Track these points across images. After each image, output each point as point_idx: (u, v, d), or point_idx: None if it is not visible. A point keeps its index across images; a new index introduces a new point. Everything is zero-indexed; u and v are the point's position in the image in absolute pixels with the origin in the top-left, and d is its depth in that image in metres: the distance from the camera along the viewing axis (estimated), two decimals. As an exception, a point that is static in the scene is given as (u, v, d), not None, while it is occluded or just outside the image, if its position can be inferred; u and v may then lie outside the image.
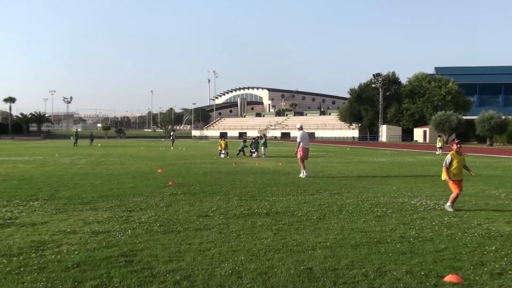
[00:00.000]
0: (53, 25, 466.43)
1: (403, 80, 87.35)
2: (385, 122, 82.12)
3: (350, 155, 32.58)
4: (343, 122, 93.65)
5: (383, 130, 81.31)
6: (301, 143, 17.28)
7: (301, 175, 16.61)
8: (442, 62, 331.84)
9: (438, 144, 36.80)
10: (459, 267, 5.51)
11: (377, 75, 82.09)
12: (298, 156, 17.30)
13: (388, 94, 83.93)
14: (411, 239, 6.91)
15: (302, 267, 5.42)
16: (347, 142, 75.73)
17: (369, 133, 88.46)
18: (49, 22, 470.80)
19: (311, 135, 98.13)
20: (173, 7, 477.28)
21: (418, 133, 76.41)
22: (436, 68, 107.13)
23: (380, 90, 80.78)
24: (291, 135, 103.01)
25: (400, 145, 57.55)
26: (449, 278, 5.06)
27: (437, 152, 35.51)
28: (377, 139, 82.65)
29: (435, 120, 64.53)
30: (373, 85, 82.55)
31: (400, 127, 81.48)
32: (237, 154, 30.33)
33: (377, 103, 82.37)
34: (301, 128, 18.04)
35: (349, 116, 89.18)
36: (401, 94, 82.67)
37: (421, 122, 77.14)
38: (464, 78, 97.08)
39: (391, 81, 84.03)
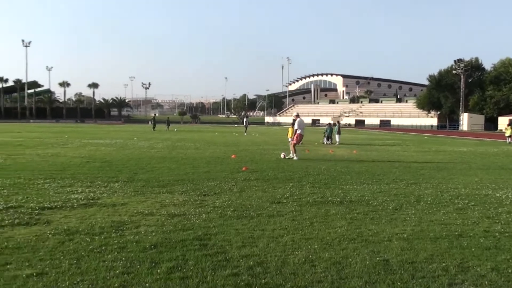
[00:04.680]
0: (135, 17, 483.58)
1: (487, 66, 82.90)
2: (466, 110, 78.39)
3: (428, 144, 31.39)
4: (421, 110, 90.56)
5: (464, 118, 77.69)
6: (298, 130, 18.40)
7: (294, 157, 17.74)
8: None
9: (507, 133, 34.89)
10: (551, 266, 5.11)
11: (458, 61, 78.41)
12: (294, 141, 18.38)
13: (470, 81, 79.91)
14: (497, 234, 6.51)
15: (377, 259, 5.25)
16: (424, 131, 73.03)
17: (448, 122, 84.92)
18: (129, 13, 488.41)
19: (387, 123, 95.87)
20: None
21: (503, 122, 72.24)
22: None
23: (462, 76, 77.11)
24: (366, 122, 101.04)
25: (483, 134, 54.74)
26: (539, 277, 4.71)
27: (507, 141, 33.72)
28: (457, 127, 79.14)
29: (522, 108, 60.79)
30: (454, 72, 78.90)
31: (483, 116, 77.48)
32: (325, 142, 29.84)
33: (458, 90, 78.76)
34: (297, 116, 19.21)
35: (428, 103, 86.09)
36: (484, 81, 78.43)
37: (507, 110, 72.88)
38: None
39: (473, 67, 79.90)
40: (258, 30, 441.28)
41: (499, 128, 72.14)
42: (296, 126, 18.69)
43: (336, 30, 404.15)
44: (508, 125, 37.80)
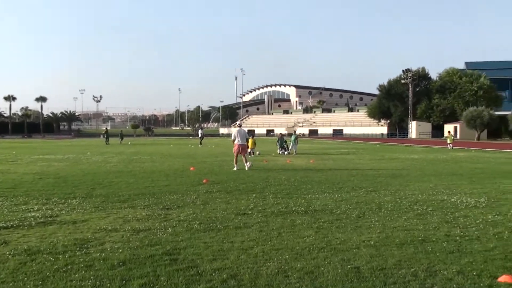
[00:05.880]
0: (81, 25, 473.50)
1: (434, 75, 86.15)
2: (414, 118, 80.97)
3: (381, 152, 32.19)
4: (372, 119, 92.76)
5: (413, 126, 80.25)
6: (235, 140, 18.49)
7: (234, 168, 17.88)
8: (473, 57, 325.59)
9: (448, 140, 38.73)
10: (512, 267, 5.32)
11: (406, 70, 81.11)
12: (234, 151, 18.68)
13: (418, 90, 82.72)
14: (457, 237, 6.72)
15: (349, 266, 5.31)
16: (376, 139, 74.88)
17: (398, 130, 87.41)
18: (73, 23, 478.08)
19: (339, 132, 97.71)
20: (198, 7, 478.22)
21: (449, 129, 75.09)
22: (467, 63, 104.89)
23: (410, 86, 79.71)
24: (319, 132, 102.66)
25: (431, 142, 56.61)
26: (503, 278, 4.87)
27: (449, 147, 37.15)
28: (407, 135, 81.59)
29: (467, 116, 63.46)
30: (402, 81, 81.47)
31: (430, 123, 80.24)
32: (279, 152, 30.27)
33: (406, 99, 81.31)
34: (239, 126, 20.12)
35: (378, 112, 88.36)
36: (431, 90, 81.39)
37: (452, 118, 75.75)
38: (495, 72, 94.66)
39: (421, 76, 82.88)
40: (209, 41, 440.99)
41: (445, 135, 74.86)
42: (232, 137, 18.95)
43: (285, 41, 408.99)
44: (449, 132, 42.42)
